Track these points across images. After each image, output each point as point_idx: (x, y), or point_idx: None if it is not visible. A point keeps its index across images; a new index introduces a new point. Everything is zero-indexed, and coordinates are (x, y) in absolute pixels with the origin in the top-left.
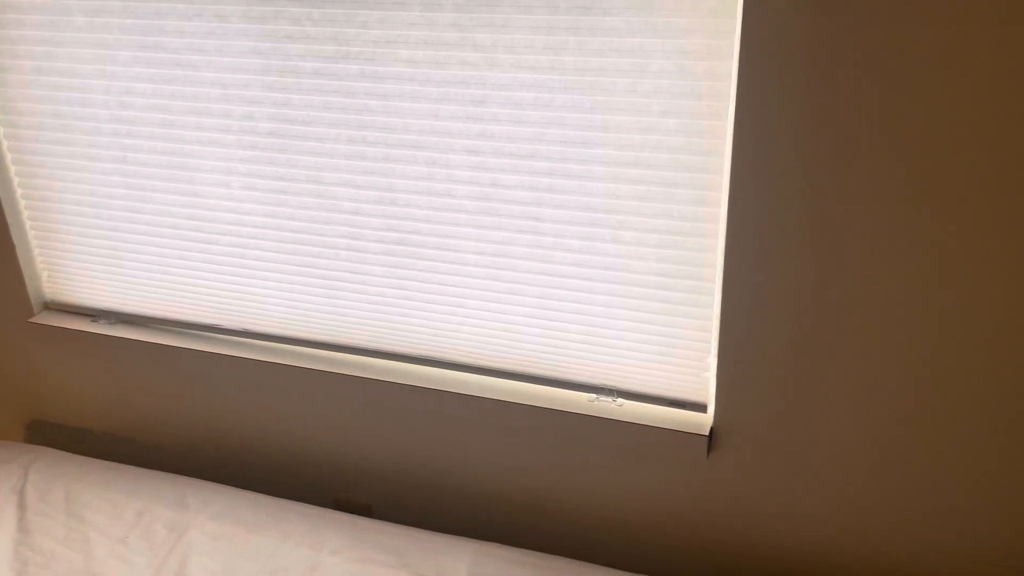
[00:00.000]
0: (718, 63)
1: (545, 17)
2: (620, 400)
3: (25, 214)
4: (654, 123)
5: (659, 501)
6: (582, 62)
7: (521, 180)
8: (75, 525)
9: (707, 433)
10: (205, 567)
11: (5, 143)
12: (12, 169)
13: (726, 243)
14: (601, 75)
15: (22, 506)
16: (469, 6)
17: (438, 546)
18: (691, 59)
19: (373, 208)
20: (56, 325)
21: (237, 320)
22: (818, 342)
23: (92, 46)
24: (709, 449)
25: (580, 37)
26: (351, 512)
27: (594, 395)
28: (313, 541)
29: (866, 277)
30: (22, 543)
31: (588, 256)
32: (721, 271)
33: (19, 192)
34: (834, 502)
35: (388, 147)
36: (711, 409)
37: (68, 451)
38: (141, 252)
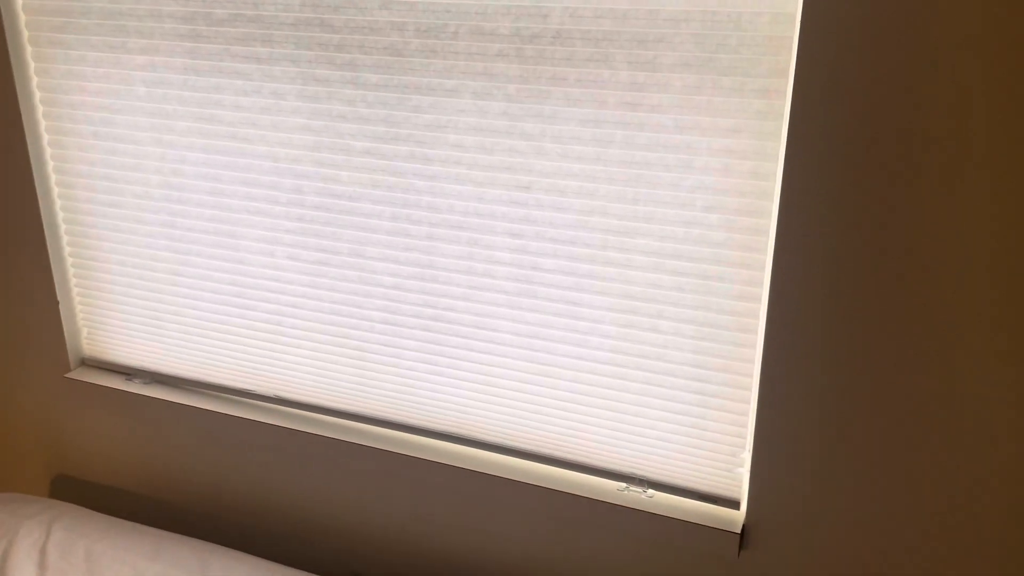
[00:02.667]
0: (763, 163)
1: (593, 111)
2: (650, 491)
3: (72, 271)
4: (697, 217)
5: None
6: (628, 155)
7: (561, 265)
8: None
9: (739, 531)
10: None
11: (58, 202)
12: (63, 227)
13: (764, 339)
14: (646, 169)
15: (43, 565)
16: (519, 96)
17: None
18: (736, 158)
19: (412, 284)
20: (90, 381)
21: (269, 386)
22: (855, 442)
23: (150, 115)
24: (741, 547)
25: (627, 131)
26: None
27: (624, 484)
28: None
29: (903, 378)
30: None
31: (624, 343)
32: (759, 367)
33: (67, 250)
34: None
35: (431, 226)
36: (744, 506)
37: (92, 507)
38: (181, 314)
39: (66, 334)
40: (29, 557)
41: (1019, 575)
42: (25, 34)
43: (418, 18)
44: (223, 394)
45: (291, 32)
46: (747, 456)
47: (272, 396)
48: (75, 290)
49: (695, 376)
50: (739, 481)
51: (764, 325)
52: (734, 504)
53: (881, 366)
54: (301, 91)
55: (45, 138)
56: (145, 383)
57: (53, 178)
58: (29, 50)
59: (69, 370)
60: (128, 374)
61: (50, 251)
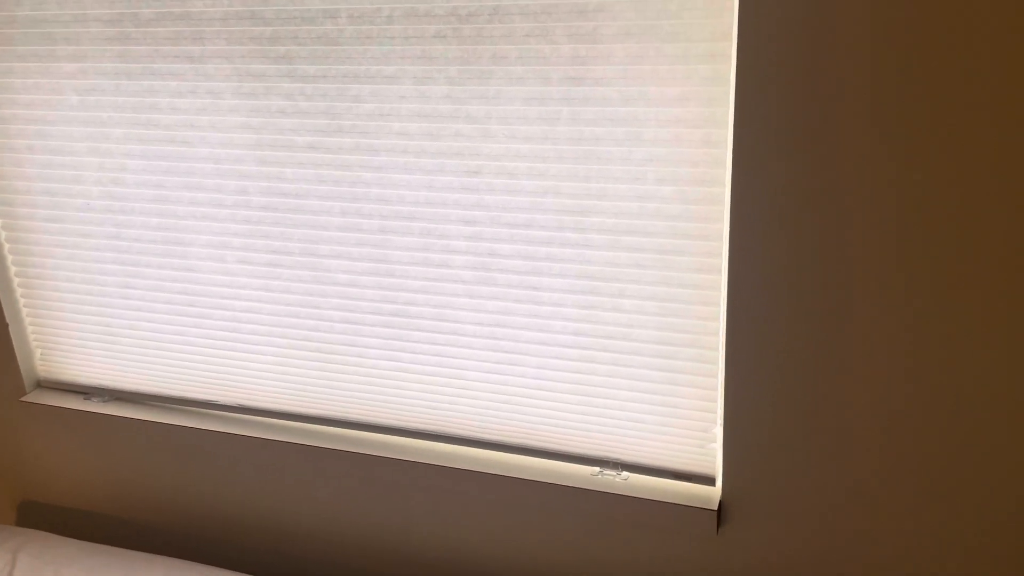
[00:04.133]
0: (713, 130)
1: (538, 88)
2: (625, 473)
3: (19, 292)
4: (650, 191)
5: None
6: (576, 132)
7: (518, 249)
8: None
9: (716, 507)
10: None
11: None
12: (6, 247)
13: (727, 310)
14: (596, 144)
15: None
16: (461, 79)
17: None
18: (686, 127)
19: (368, 280)
20: (48, 404)
21: (232, 395)
22: (827, 410)
23: (84, 124)
24: (719, 524)
25: (573, 107)
26: None
27: (598, 468)
28: None
29: (871, 340)
30: None
31: (588, 325)
32: (723, 339)
33: (13, 270)
34: (851, 572)
35: (383, 219)
36: (719, 482)
37: (60, 532)
38: (135, 328)
39: (18, 357)
40: None
41: (994, 544)
42: None
43: (351, 3)
44: (185, 407)
45: (222, 27)
46: (719, 431)
47: (235, 405)
48: (24, 311)
49: (661, 353)
50: (713, 457)
51: (726, 296)
52: (710, 481)
53: (849, 329)
54: (237, 88)
55: None
56: (104, 401)
57: None
58: None
59: (25, 393)
60: (86, 393)
61: None
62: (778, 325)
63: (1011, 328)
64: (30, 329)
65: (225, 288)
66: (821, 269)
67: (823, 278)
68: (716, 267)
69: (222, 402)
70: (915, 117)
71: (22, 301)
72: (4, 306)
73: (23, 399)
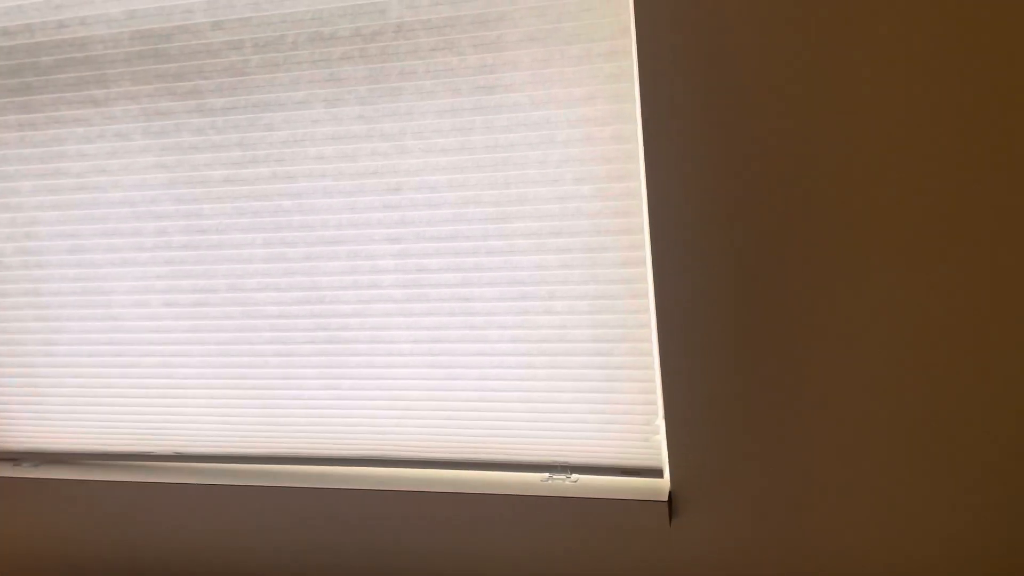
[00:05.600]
0: (623, 126)
1: (449, 100)
2: (574, 476)
3: None
4: (569, 191)
5: (627, 573)
6: (491, 140)
7: (446, 262)
8: None
9: (666, 498)
10: None
11: None
12: None
13: (655, 302)
14: (512, 150)
15: None
16: (371, 98)
17: None
18: (596, 125)
19: (299, 309)
20: None
21: (169, 444)
22: (766, 387)
23: None
24: (671, 515)
25: (486, 116)
26: None
27: (547, 474)
28: None
29: (800, 315)
30: None
31: (523, 331)
32: (655, 331)
33: None
34: (806, 550)
35: (308, 245)
36: (667, 473)
37: None
38: (61, 386)
39: None
40: None
41: (939, 526)
42: None
43: (254, 33)
44: (121, 462)
45: (125, 68)
46: (661, 424)
47: (173, 454)
48: None
49: (597, 351)
50: (659, 450)
51: (653, 288)
52: (658, 474)
53: (781, 309)
54: (146, 128)
55: None
56: (34, 465)
57: None
58: None
59: None
60: (15, 459)
61: None
62: (707, 312)
63: (956, 295)
64: None
65: (152, 334)
66: (745, 252)
67: (748, 261)
68: (641, 260)
69: (160, 452)
70: (812, 86)
71: None
72: None
73: None
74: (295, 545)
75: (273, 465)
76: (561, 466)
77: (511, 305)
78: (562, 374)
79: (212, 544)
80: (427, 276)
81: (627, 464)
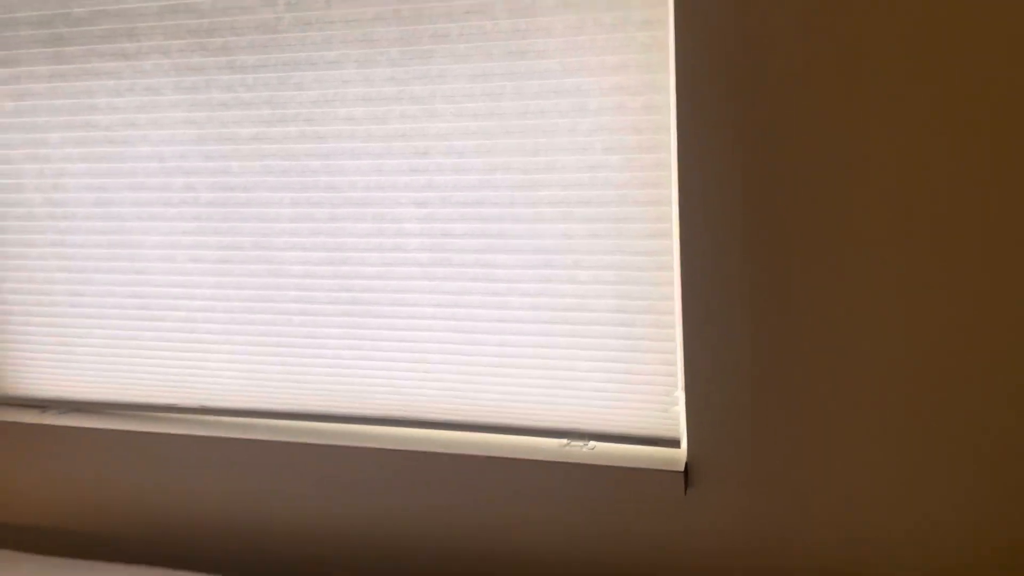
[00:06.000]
0: (655, 96)
1: (481, 65)
2: (592, 443)
3: None
4: (599, 160)
5: (639, 545)
6: (521, 106)
7: (471, 228)
8: None
9: (682, 469)
10: None
11: None
12: None
13: (681, 274)
14: (542, 117)
15: None
16: (404, 60)
17: None
18: (628, 94)
19: (324, 269)
20: (4, 420)
21: (193, 397)
22: (787, 363)
23: (21, 130)
24: (687, 486)
25: (517, 82)
26: None
27: (565, 440)
28: None
29: (829, 294)
30: None
31: (545, 299)
32: (679, 302)
33: None
34: (820, 526)
35: (334, 206)
36: (684, 444)
37: (25, 551)
38: (88, 336)
39: None
40: None
41: (966, 504)
42: None
43: None
44: (146, 412)
45: (157, 22)
46: (680, 394)
47: (198, 407)
48: None
49: (620, 321)
50: (676, 420)
51: (679, 260)
52: (675, 444)
53: (806, 282)
54: (177, 83)
55: None
56: (61, 413)
57: None
58: None
59: None
60: (42, 407)
61: None
62: (732, 284)
63: (981, 272)
64: None
65: (178, 288)
66: (773, 225)
67: (775, 234)
68: (668, 232)
69: (183, 405)
70: (852, 59)
71: None
72: None
73: None
74: (312, 501)
75: (294, 421)
76: (579, 433)
77: (535, 273)
78: (583, 342)
79: (228, 496)
80: (452, 241)
81: (644, 434)
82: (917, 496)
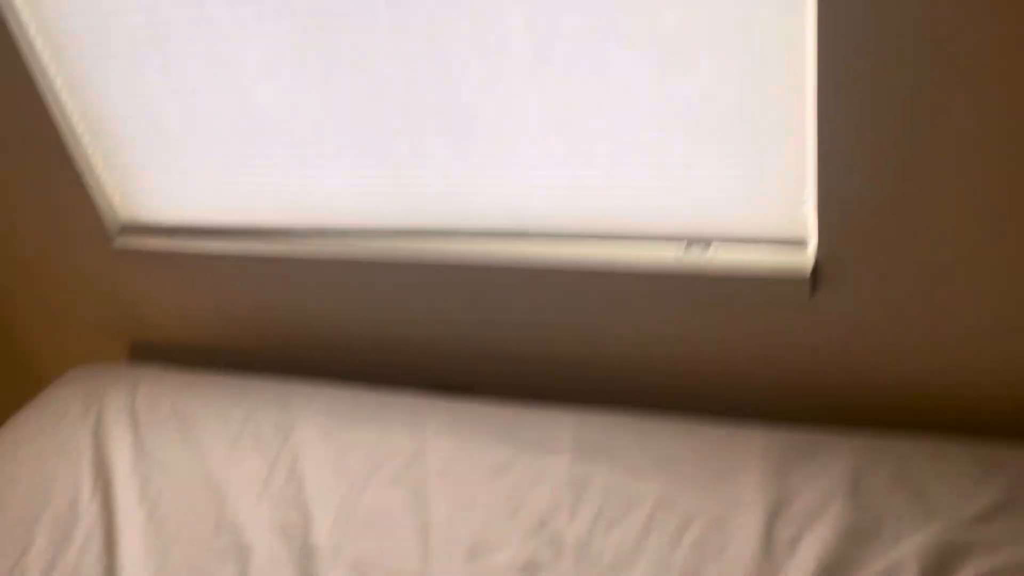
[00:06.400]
0: None
1: None
2: (713, 244)
3: (85, 139)
4: None
5: (762, 348)
6: None
7: (581, 22)
8: (187, 435)
9: (809, 272)
10: (315, 460)
11: (51, 67)
12: (63, 94)
13: (817, 58)
14: None
15: (135, 424)
16: None
17: (540, 418)
18: None
19: (426, 80)
20: (137, 249)
21: (309, 218)
22: (926, 162)
23: None
24: (813, 289)
25: None
26: (452, 395)
27: (685, 244)
28: (416, 425)
29: (976, 86)
30: (140, 458)
31: (663, 93)
32: (814, 92)
33: (74, 117)
34: (948, 334)
35: (432, 7)
36: (812, 245)
37: (173, 367)
38: (202, 162)
39: (99, 206)
40: (119, 420)
41: None
42: None
43: None
44: (267, 236)
45: None
46: (811, 192)
47: (315, 228)
48: (93, 158)
49: (745, 114)
50: (804, 220)
51: (814, 39)
52: (802, 246)
53: (950, 74)
54: None
55: None
56: (190, 237)
57: (37, 39)
58: None
59: (112, 241)
60: (170, 232)
61: (57, 121)
62: (870, 68)
63: None
64: (104, 176)
65: (284, 107)
66: (924, 9)
67: (927, 19)
68: (799, 8)
69: (301, 226)
70: None
71: (90, 149)
72: (74, 158)
73: (112, 247)
74: (429, 313)
75: (410, 239)
76: (699, 237)
77: (652, 68)
78: (705, 138)
79: (353, 313)
80: (561, 37)
81: (769, 236)
82: None
